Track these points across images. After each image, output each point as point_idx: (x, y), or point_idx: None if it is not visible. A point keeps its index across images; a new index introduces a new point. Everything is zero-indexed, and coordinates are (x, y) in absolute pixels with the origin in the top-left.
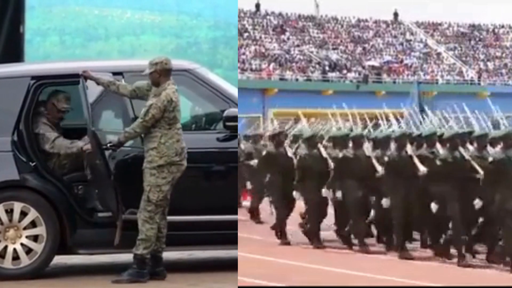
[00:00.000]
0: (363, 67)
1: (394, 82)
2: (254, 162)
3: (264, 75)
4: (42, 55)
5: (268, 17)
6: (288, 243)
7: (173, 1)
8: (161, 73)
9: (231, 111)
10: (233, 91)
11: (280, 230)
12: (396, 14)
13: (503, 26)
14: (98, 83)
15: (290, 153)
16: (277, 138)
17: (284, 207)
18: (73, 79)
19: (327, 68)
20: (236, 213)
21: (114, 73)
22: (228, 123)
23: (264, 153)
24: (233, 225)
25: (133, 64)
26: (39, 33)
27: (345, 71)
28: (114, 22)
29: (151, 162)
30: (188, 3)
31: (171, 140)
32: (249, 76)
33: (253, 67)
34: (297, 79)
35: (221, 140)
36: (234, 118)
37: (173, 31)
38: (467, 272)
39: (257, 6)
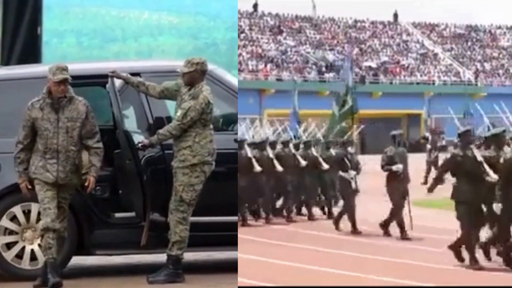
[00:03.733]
0: (360, 68)
1: (391, 83)
2: (397, 167)
3: (260, 76)
4: (59, 57)
5: (264, 17)
6: (481, 268)
7: (191, 2)
8: (200, 74)
9: None
10: None
11: (468, 250)
12: (396, 15)
13: (499, 27)
14: (127, 83)
15: (479, 156)
16: (465, 137)
17: (473, 221)
18: (90, 80)
19: (323, 69)
20: (236, 215)
21: (132, 74)
22: None
23: (449, 156)
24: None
25: (151, 65)
26: (57, 34)
27: (341, 72)
28: (131, 23)
29: (184, 161)
30: (206, 4)
31: (205, 140)
32: (246, 77)
33: (250, 67)
34: (294, 80)
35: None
36: None
37: (190, 32)
38: (468, 273)
39: (255, 6)
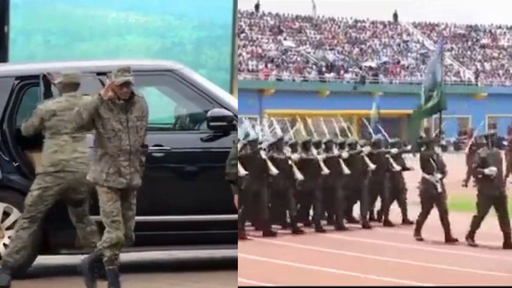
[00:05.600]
0: (360, 68)
1: (391, 83)
2: (490, 170)
3: (261, 76)
4: (26, 55)
5: (265, 17)
6: None
7: (158, 1)
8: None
9: (215, 111)
10: (218, 91)
11: None
12: (396, 15)
13: (500, 27)
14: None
15: None
16: None
17: None
18: None
19: (324, 69)
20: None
21: (99, 73)
22: (212, 123)
23: None
24: (216, 225)
25: (118, 64)
26: (24, 33)
27: (342, 72)
28: (99, 22)
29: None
30: (173, 3)
31: (48, 150)
32: (246, 77)
33: (250, 67)
34: (294, 80)
35: (205, 140)
36: (218, 118)
37: (157, 32)
38: (466, 273)
39: (257, 6)
